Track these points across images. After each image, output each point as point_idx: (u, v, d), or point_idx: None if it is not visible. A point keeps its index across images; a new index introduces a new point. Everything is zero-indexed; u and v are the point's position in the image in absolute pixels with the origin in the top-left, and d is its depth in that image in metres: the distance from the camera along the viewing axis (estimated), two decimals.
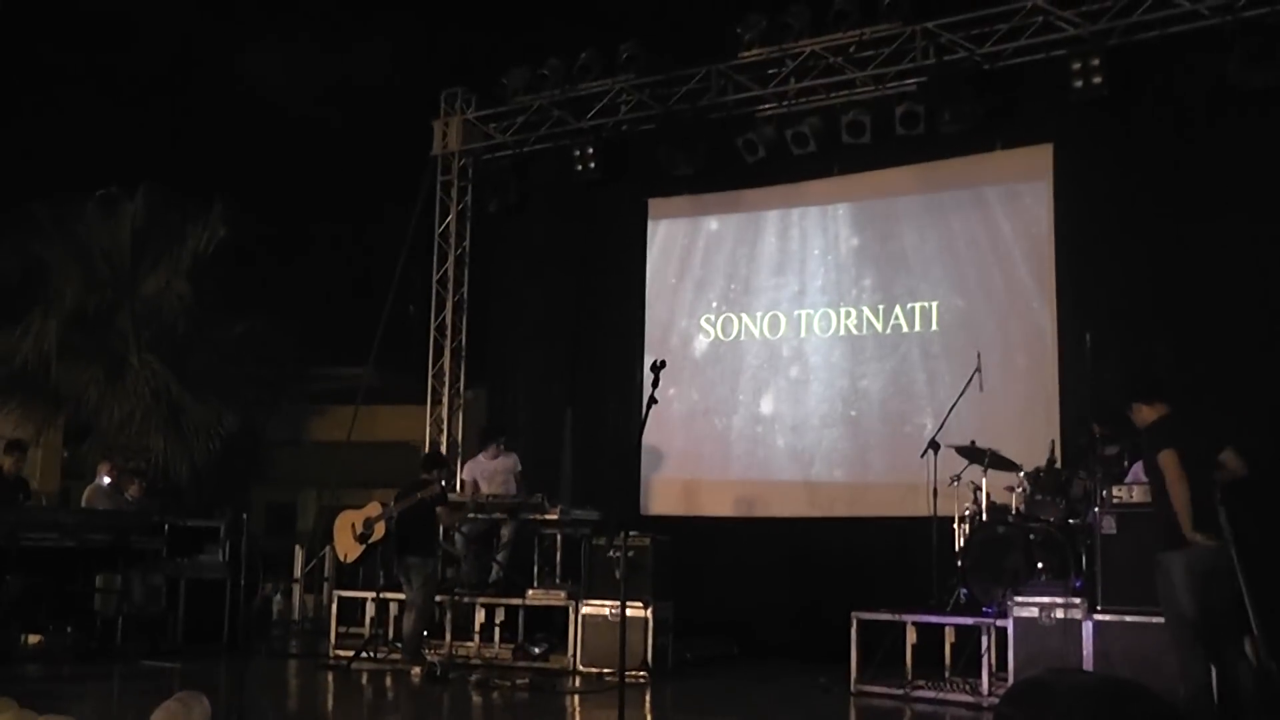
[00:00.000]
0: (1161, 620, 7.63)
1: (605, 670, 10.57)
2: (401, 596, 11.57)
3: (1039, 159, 12.18)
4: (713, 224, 14.18)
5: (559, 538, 12.55)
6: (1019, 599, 9.08)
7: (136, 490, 13.51)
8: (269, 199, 18.65)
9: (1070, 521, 9.67)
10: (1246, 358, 10.68)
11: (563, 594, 11.46)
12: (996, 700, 8.27)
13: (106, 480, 13.23)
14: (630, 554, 10.68)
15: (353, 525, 11.41)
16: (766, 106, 13.43)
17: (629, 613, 9.41)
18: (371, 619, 12.12)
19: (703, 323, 14.01)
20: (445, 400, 15.13)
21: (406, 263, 14.46)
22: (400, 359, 15.65)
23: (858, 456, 12.91)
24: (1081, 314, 11.45)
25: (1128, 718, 6.77)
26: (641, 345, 14.09)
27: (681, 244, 14.30)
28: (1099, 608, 8.70)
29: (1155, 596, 7.52)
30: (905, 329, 12.77)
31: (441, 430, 15.03)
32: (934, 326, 12.61)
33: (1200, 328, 10.89)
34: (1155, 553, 7.48)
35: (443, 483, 11.58)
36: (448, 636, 11.85)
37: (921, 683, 9.57)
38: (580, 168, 14.13)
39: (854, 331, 13.09)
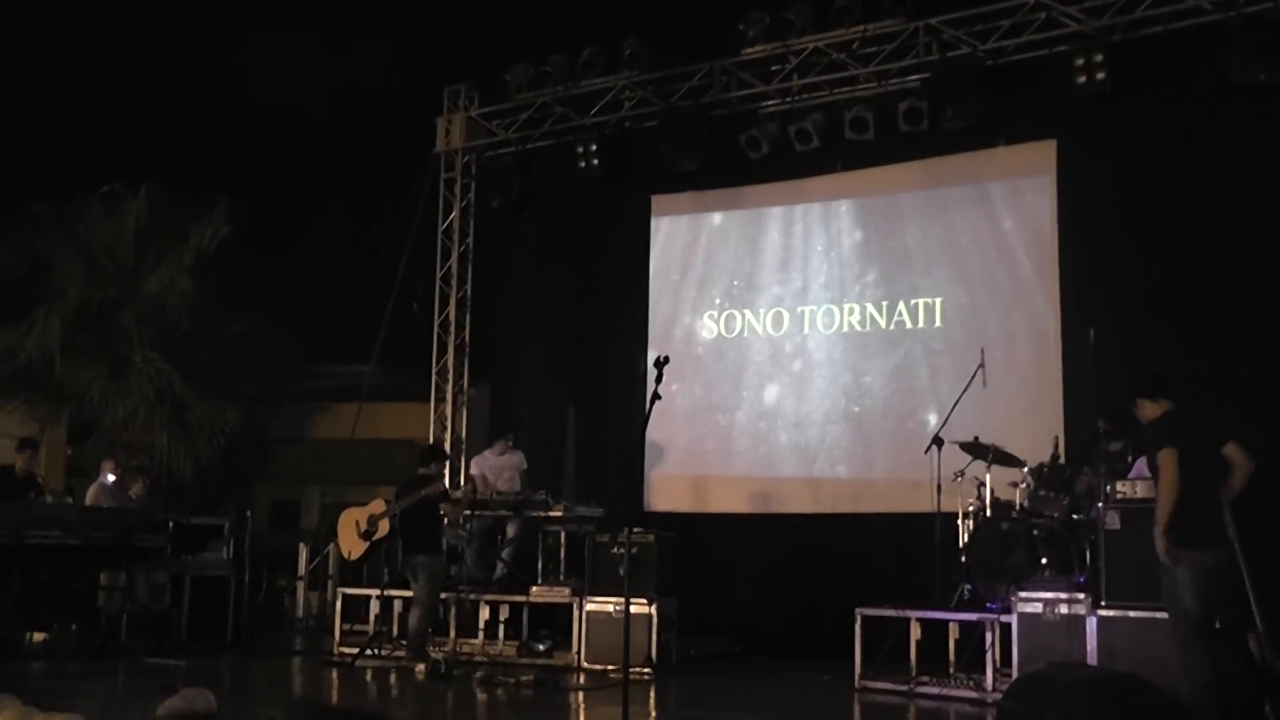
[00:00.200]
0: (1165, 616, 7.63)
1: (609, 667, 10.59)
2: (406, 594, 11.58)
3: (1042, 155, 12.17)
4: (716, 220, 14.17)
5: (563, 534, 12.57)
6: (1023, 595, 9.09)
7: (140, 488, 13.53)
8: (272, 196, 18.68)
9: (1074, 517, 9.68)
10: (1250, 353, 10.68)
11: (567, 591, 11.47)
12: (1000, 696, 8.28)
13: (110, 478, 13.24)
14: (634, 551, 10.70)
15: (356, 522, 11.42)
16: (769, 103, 13.43)
17: (633, 609, 9.44)
18: (376, 616, 12.11)
19: (706, 319, 14.01)
20: (449, 397, 15.14)
21: (410, 260, 14.49)
22: (404, 356, 15.66)
23: (861, 453, 12.91)
24: (1085, 309, 11.42)
25: (1132, 712, 6.75)
26: (645, 342, 14.09)
27: (684, 240, 14.30)
28: (1103, 603, 8.71)
29: (1159, 592, 7.51)
30: (908, 325, 12.77)
31: (445, 427, 15.05)
32: (937, 322, 12.61)
33: (1203, 323, 10.88)
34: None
35: (445, 476, 11.58)
36: (452, 633, 11.86)
37: (925, 679, 9.57)
38: (583, 164, 14.14)
39: (857, 328, 13.09)
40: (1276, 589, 7.40)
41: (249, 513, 13.53)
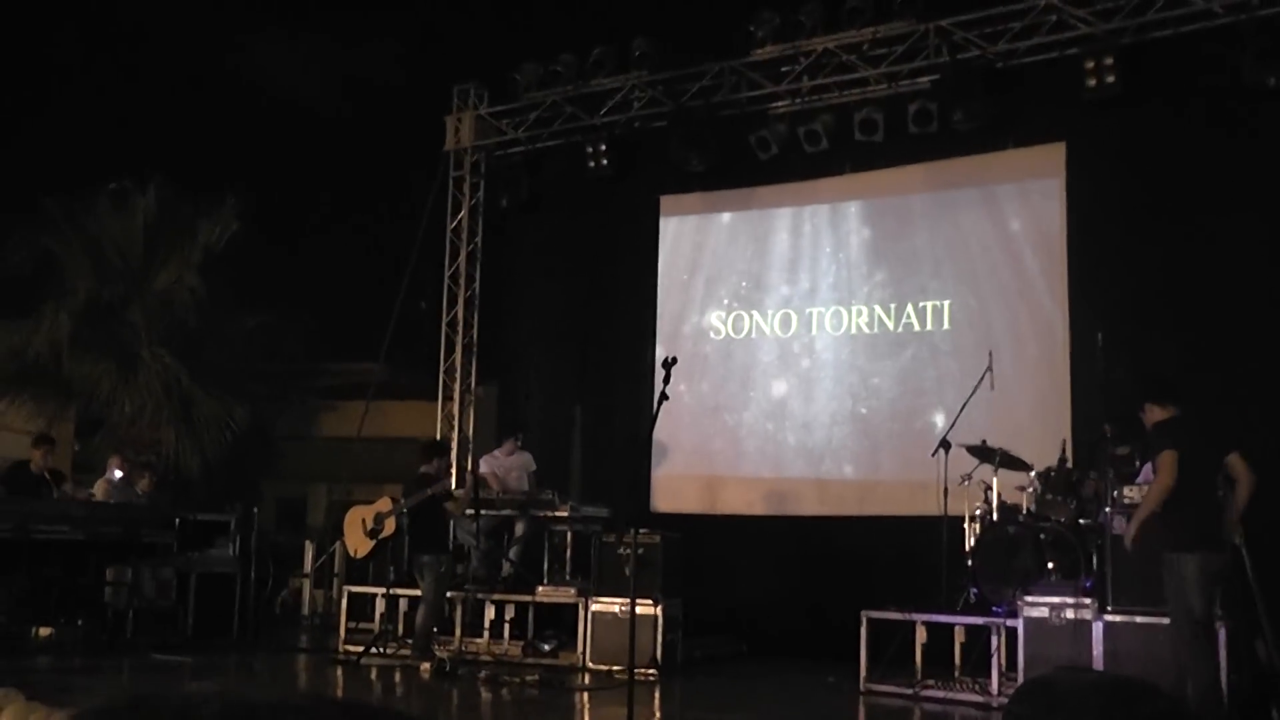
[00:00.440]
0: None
1: (614, 667, 10.58)
2: (411, 592, 11.59)
3: (1051, 157, 12.15)
4: (724, 221, 14.17)
5: (569, 534, 12.56)
6: (1029, 599, 9.08)
7: (147, 484, 13.55)
8: (281, 194, 18.69)
9: (1081, 521, 9.66)
10: (1259, 356, 10.66)
11: (572, 591, 11.47)
12: (1006, 700, 8.25)
13: (117, 474, 13.26)
14: (640, 551, 10.67)
15: (363, 520, 11.44)
16: (779, 104, 13.42)
17: (638, 610, 9.40)
18: (381, 614, 12.12)
19: (714, 320, 14.00)
20: (456, 396, 15.13)
21: (418, 258, 14.47)
22: (411, 354, 15.67)
23: (868, 455, 12.90)
24: (1093, 313, 11.40)
25: (1139, 716, 6.74)
26: (653, 342, 14.10)
27: (693, 241, 14.30)
28: (1109, 608, 8.69)
29: (1165, 597, 7.50)
30: (916, 327, 12.75)
31: (452, 426, 15.04)
32: (945, 325, 12.59)
33: (1213, 326, 10.87)
34: (1164, 551, 7.47)
35: (452, 472, 11.58)
36: (458, 632, 11.86)
37: (931, 682, 9.56)
38: (592, 164, 14.13)
39: (865, 329, 13.08)
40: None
41: (255, 510, 13.55)
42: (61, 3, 19.50)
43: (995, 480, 10.24)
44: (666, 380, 7.31)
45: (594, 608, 11.06)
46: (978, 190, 12.64)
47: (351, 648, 11.72)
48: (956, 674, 9.77)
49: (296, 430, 19.54)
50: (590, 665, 10.95)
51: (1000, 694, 9.00)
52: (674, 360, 7.51)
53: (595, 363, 14.63)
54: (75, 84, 20.60)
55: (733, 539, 13.10)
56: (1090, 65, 11.43)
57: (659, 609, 10.73)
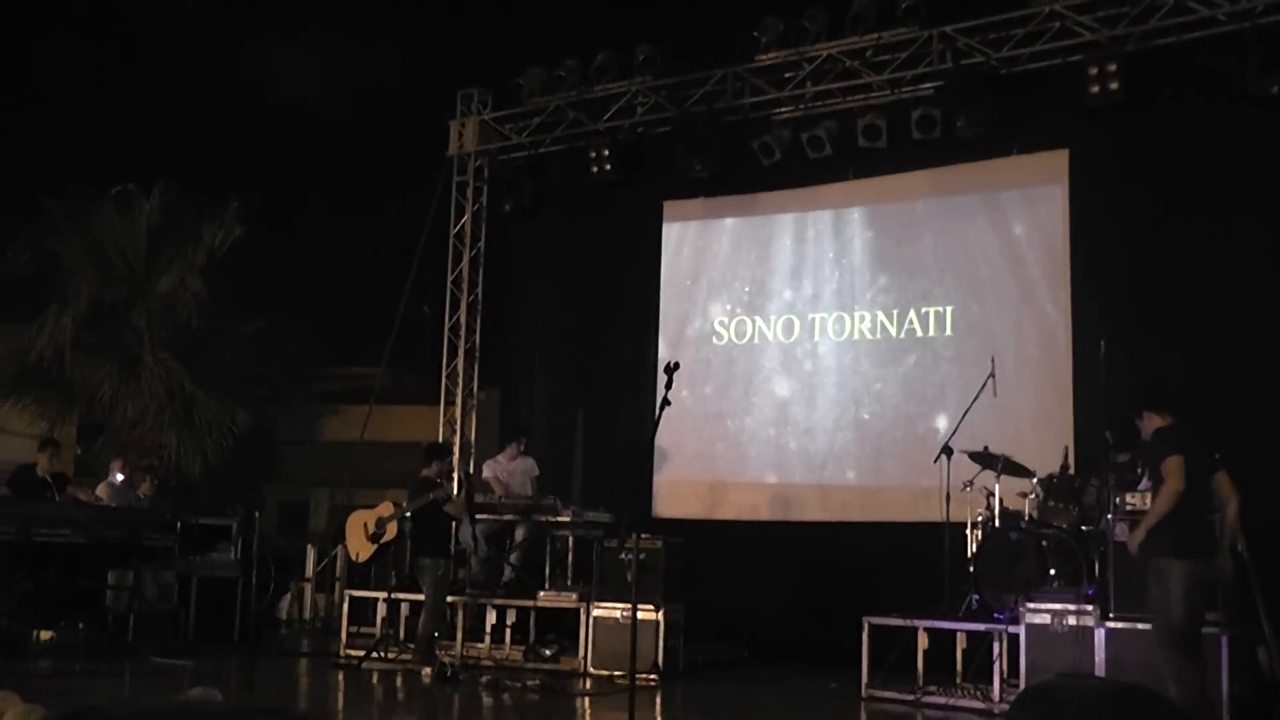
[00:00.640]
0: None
1: (616, 672, 10.58)
2: (413, 596, 11.59)
3: (1055, 164, 12.15)
4: (728, 226, 14.17)
5: (571, 539, 12.55)
6: (1031, 605, 9.06)
7: (149, 487, 13.56)
8: (284, 197, 18.68)
9: (1083, 528, 9.65)
10: (1263, 364, 10.66)
11: (574, 596, 11.46)
12: (1008, 707, 8.25)
13: (119, 477, 13.26)
14: (642, 556, 10.70)
15: (365, 525, 11.44)
16: (782, 110, 13.43)
17: (640, 615, 9.42)
18: (383, 619, 12.13)
19: (716, 325, 14.01)
20: (459, 401, 15.13)
21: (421, 263, 14.47)
22: (414, 359, 15.67)
23: (870, 460, 12.89)
24: (1096, 320, 11.39)
25: None
26: (655, 347, 14.11)
27: (696, 246, 14.31)
28: (1111, 615, 8.67)
29: (1148, 603, 7.53)
30: (919, 333, 12.75)
31: (454, 431, 15.05)
32: (948, 331, 12.59)
33: (1216, 334, 10.87)
34: (1153, 557, 7.48)
35: (455, 476, 11.58)
36: (459, 637, 11.85)
37: (932, 688, 9.54)
38: (596, 169, 14.13)
39: (868, 335, 13.08)
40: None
41: (257, 514, 13.53)
42: (66, 5, 19.50)
43: (997, 486, 10.24)
44: (669, 385, 7.31)
45: (595, 613, 11.06)
46: (981, 196, 12.64)
47: (353, 652, 11.72)
48: (958, 680, 9.78)
49: (298, 434, 19.55)
50: (591, 670, 10.94)
51: (1002, 700, 9.00)
52: (676, 365, 7.50)
53: (597, 367, 14.64)
54: (79, 87, 20.59)
55: (735, 544, 13.09)
56: (1094, 72, 11.43)
57: (660, 614, 10.72)
